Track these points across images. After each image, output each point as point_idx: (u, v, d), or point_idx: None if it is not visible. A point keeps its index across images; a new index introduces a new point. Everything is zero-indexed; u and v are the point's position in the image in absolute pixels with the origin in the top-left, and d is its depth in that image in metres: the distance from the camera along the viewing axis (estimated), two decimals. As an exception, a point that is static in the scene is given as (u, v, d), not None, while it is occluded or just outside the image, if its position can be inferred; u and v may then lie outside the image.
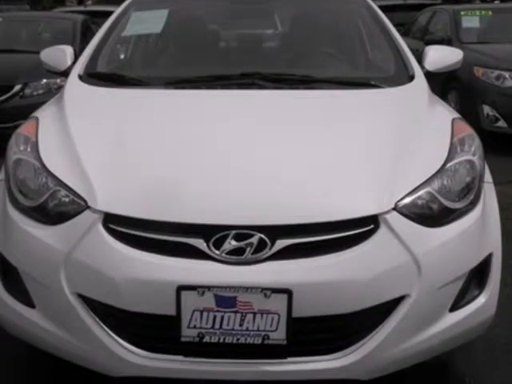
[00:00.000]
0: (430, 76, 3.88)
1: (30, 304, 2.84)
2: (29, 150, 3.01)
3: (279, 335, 2.56)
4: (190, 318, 2.55)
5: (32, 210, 2.82)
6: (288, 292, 2.50)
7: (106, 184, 2.74)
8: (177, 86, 3.74)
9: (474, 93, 8.75)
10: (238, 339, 2.57)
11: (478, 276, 2.88)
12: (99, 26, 4.93)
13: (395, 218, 2.64)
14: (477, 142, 3.10)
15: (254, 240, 2.53)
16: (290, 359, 2.62)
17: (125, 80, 3.86)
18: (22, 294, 2.85)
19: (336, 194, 2.69)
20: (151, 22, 4.38)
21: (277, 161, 2.83)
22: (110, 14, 4.60)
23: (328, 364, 2.64)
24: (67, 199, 2.75)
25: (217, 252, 2.54)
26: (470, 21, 10.17)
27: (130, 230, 2.61)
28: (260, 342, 2.56)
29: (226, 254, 2.54)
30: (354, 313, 2.58)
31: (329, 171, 2.79)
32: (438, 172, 2.82)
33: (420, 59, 3.99)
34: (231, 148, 2.94)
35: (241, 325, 2.55)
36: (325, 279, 2.52)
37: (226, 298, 2.52)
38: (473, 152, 3.00)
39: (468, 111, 7.79)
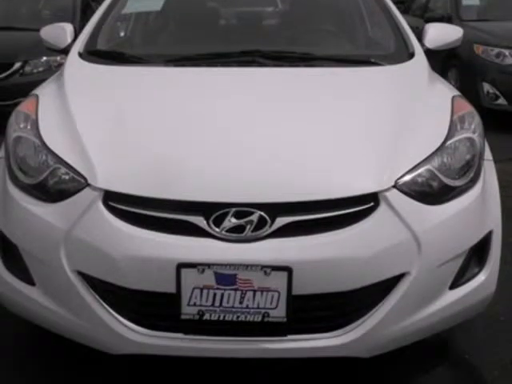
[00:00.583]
0: (429, 54, 3.87)
1: (30, 282, 2.84)
2: (29, 127, 3.00)
3: (279, 313, 2.56)
4: (189, 296, 2.55)
5: (32, 187, 2.81)
6: (288, 269, 2.50)
7: (105, 161, 2.73)
8: (177, 63, 3.73)
9: (474, 70, 8.75)
10: (237, 317, 2.57)
11: (478, 254, 2.88)
12: (99, 3, 4.89)
13: (395, 196, 2.64)
14: (477, 119, 3.10)
15: (254, 218, 2.53)
16: (289, 337, 2.63)
17: (125, 57, 3.84)
18: (22, 271, 2.85)
19: (336, 171, 2.69)
20: (151, -1, 4.37)
21: (277, 138, 2.82)
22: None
23: (328, 342, 2.64)
24: (67, 177, 2.74)
25: (217, 230, 2.54)
26: (470, -2, 10.14)
27: (130, 208, 2.61)
28: (260, 319, 2.56)
29: (226, 231, 2.54)
30: (354, 290, 2.58)
31: (329, 149, 2.79)
32: (437, 150, 2.82)
33: (420, 37, 3.98)
34: (231, 125, 2.93)
35: (241, 302, 2.55)
36: (325, 257, 2.52)
37: (225, 276, 2.52)
38: (473, 130, 3.00)
39: (468, 89, 7.77)
